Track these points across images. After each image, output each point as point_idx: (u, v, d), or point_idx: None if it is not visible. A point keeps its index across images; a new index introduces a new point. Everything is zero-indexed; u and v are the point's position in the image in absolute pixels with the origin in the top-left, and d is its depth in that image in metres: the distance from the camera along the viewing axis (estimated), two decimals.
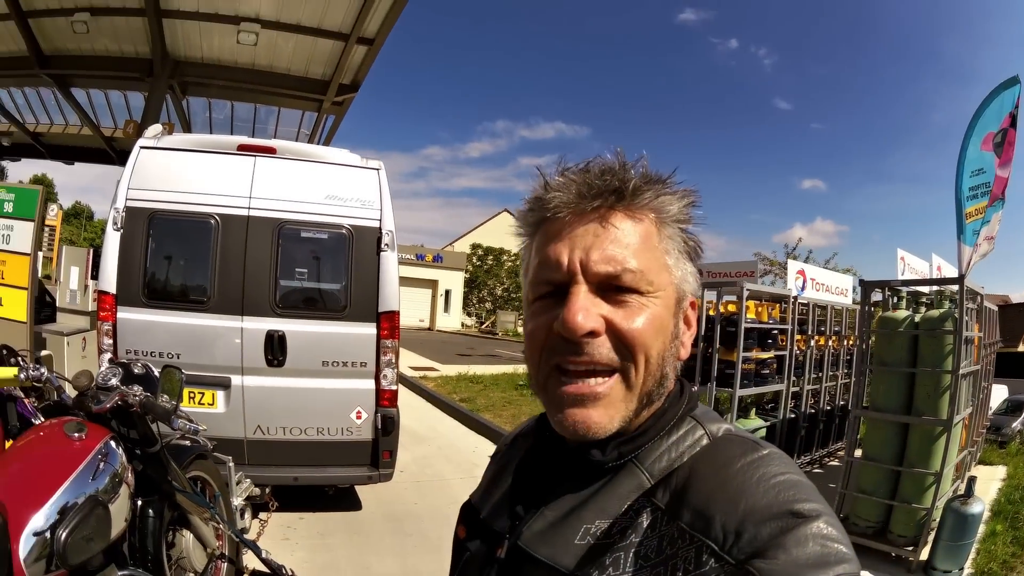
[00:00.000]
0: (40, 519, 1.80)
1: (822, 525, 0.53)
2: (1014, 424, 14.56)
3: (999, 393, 16.85)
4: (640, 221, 0.66)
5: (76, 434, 2.06)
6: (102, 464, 2.05)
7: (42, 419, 2.45)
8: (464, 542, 0.79)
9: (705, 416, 0.69)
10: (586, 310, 0.62)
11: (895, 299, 4.96)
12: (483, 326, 34.99)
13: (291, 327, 4.12)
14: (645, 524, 0.60)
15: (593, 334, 0.63)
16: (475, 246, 38.16)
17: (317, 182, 4.25)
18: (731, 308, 5.67)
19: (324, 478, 4.25)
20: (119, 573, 2.07)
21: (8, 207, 5.28)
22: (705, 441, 0.66)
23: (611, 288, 0.64)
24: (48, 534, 1.79)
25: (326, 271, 4.37)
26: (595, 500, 0.65)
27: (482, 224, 41.63)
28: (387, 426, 4.21)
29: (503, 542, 0.71)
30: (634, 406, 0.65)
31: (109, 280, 3.92)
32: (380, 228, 4.27)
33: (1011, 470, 6.76)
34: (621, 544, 0.60)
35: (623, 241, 0.64)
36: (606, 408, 0.64)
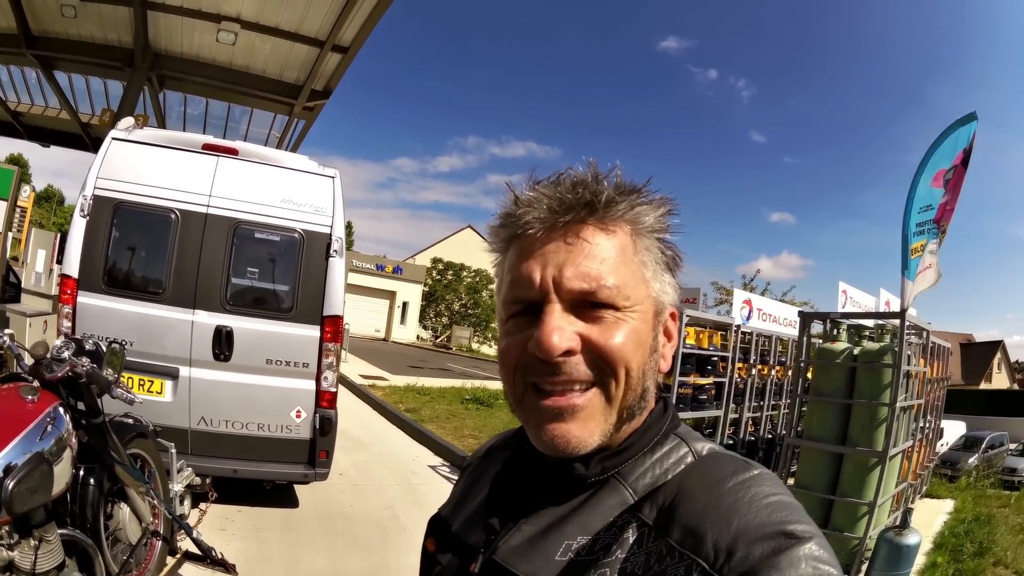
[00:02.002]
0: None
1: (814, 547, 0.52)
2: (970, 460, 14.76)
3: (957, 429, 16.96)
4: (614, 234, 0.63)
5: (30, 396, 2.25)
6: (49, 427, 2.23)
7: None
8: (434, 555, 0.76)
9: (688, 435, 0.68)
10: (561, 330, 0.61)
11: (836, 331, 5.06)
12: (438, 340, 35.03)
13: (239, 324, 4.24)
14: (631, 540, 0.59)
15: (569, 353, 0.61)
16: (436, 260, 37.99)
17: (274, 185, 4.39)
18: None
19: (262, 472, 4.34)
20: (59, 531, 2.23)
21: None
22: (690, 459, 0.64)
23: (586, 304, 0.62)
24: None
25: (276, 272, 4.49)
26: (577, 515, 0.63)
27: (445, 239, 41.73)
28: (325, 427, 4.32)
29: (477, 557, 0.69)
30: (614, 420, 0.63)
31: (72, 265, 4.02)
32: (331, 234, 4.42)
33: (959, 504, 6.84)
34: (606, 560, 0.59)
35: (598, 256, 0.62)
36: (585, 422, 0.62)
